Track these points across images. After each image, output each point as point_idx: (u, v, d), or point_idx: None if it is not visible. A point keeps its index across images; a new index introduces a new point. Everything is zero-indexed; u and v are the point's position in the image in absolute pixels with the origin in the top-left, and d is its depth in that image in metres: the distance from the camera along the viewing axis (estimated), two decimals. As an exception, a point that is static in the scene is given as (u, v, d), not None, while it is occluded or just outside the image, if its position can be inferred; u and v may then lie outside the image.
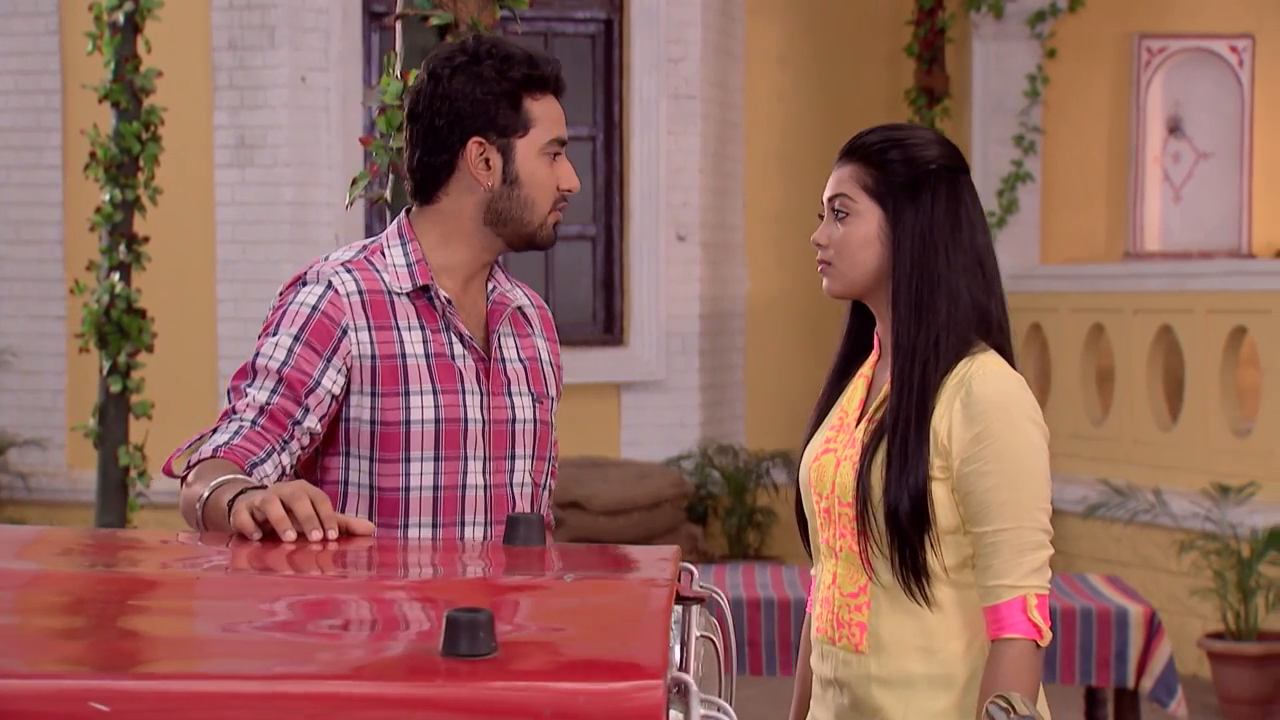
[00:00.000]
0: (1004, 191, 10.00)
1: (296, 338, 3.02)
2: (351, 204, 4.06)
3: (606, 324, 9.80)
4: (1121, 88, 10.51)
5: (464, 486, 3.10)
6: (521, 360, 3.19)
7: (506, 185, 3.08)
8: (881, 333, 3.02)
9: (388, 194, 4.07)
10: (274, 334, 3.04)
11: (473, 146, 3.07)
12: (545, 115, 3.11)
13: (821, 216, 3.02)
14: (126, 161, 7.29)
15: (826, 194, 3.00)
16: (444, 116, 3.07)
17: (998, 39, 10.03)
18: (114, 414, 7.31)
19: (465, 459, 3.10)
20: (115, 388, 7.27)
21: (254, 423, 2.97)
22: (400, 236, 3.14)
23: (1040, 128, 10.01)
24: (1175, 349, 9.38)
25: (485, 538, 3.12)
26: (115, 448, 7.30)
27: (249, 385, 3.01)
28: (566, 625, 2.12)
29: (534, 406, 3.18)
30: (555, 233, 3.17)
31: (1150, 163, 10.55)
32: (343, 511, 3.04)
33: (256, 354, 3.03)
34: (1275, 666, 7.85)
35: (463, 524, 3.10)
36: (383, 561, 2.56)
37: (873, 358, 3.06)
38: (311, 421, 3.01)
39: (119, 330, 7.25)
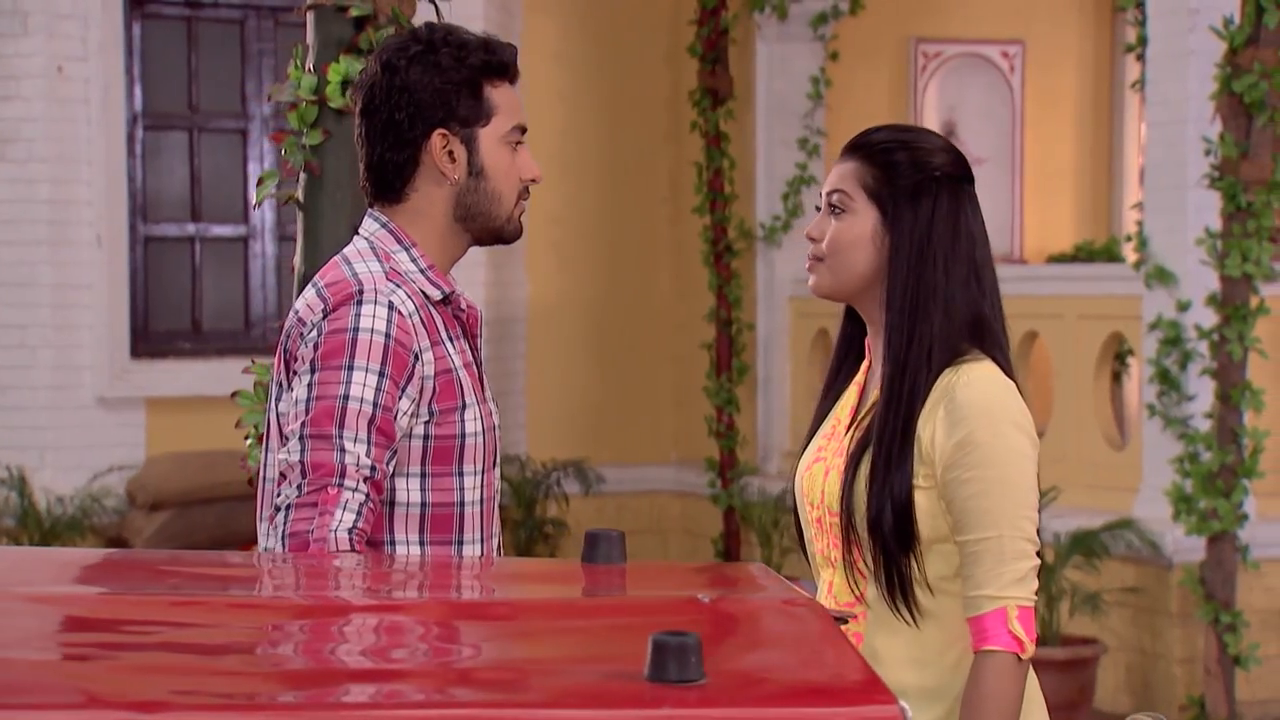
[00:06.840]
0: (788, 195, 9.85)
1: (381, 374, 2.81)
2: (260, 203, 3.89)
3: (390, 330, 9.42)
4: (900, 91, 10.51)
5: (492, 499, 3.01)
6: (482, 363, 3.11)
7: (472, 178, 2.97)
8: (872, 339, 2.96)
9: (299, 193, 3.89)
10: (350, 368, 2.80)
11: (436, 139, 2.94)
12: (505, 103, 3.00)
13: (819, 209, 2.96)
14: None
15: (825, 188, 2.94)
16: (404, 109, 2.94)
17: (781, 40, 9.91)
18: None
19: (490, 470, 2.99)
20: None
21: (367, 497, 2.77)
22: (399, 241, 2.97)
23: (824, 130, 9.90)
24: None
25: (495, 552, 3.04)
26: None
27: (343, 435, 2.77)
28: (753, 648, 1.91)
29: (496, 410, 3.09)
30: (521, 225, 3.06)
31: (927, 167, 10.54)
32: (392, 533, 2.87)
33: (345, 396, 2.78)
34: (1080, 671, 7.92)
35: (482, 539, 2.97)
36: (503, 585, 2.30)
37: (865, 364, 3.01)
38: (391, 465, 2.83)
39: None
